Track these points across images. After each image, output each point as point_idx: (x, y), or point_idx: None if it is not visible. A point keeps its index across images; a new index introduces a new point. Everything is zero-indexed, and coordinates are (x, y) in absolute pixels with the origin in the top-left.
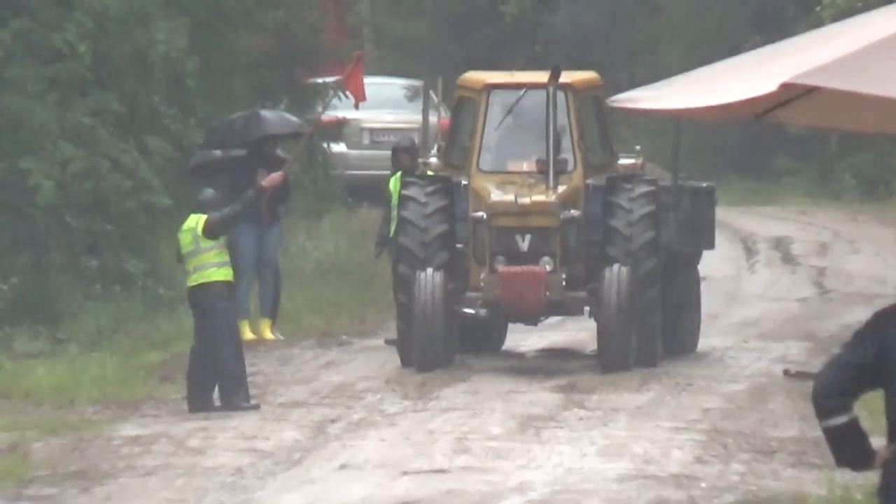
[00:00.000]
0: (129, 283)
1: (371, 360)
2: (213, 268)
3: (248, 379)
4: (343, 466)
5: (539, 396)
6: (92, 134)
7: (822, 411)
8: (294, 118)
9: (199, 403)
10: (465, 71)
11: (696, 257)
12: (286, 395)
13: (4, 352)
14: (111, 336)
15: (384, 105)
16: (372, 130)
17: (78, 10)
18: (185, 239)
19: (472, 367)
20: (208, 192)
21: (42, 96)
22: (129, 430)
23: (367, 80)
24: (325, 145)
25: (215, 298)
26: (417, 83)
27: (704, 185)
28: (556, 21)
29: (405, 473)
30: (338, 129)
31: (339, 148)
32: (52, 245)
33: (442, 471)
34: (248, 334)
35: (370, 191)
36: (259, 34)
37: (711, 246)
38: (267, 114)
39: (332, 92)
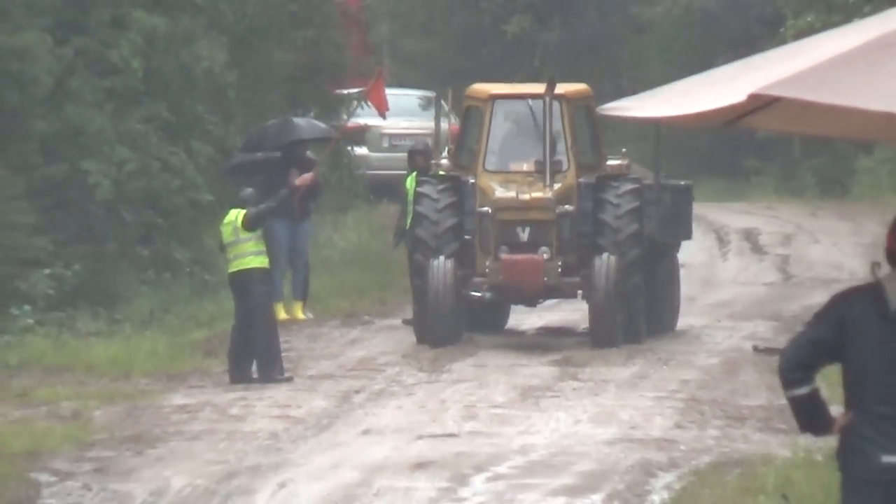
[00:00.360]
0: (178, 270)
1: (390, 337)
2: (250, 256)
3: (283, 354)
4: (366, 431)
5: (538, 369)
6: (144, 138)
7: (787, 382)
8: (322, 124)
9: (238, 376)
10: (472, 83)
11: (676, 247)
12: (316, 369)
13: (68, 330)
14: (161, 316)
15: (401, 113)
16: (390, 135)
17: (131, 30)
18: (226, 231)
19: (479, 344)
20: (248, 191)
21: (100, 106)
22: (178, 399)
23: (387, 92)
24: (349, 148)
25: (253, 283)
26: (430, 94)
27: (683, 183)
28: (552, 39)
29: (420, 437)
30: (360, 135)
31: (361, 151)
32: (110, 236)
33: (452, 435)
34: (282, 315)
35: (389, 188)
36: (291, 51)
37: (689, 237)
38: (298, 120)
39: (355, 102)
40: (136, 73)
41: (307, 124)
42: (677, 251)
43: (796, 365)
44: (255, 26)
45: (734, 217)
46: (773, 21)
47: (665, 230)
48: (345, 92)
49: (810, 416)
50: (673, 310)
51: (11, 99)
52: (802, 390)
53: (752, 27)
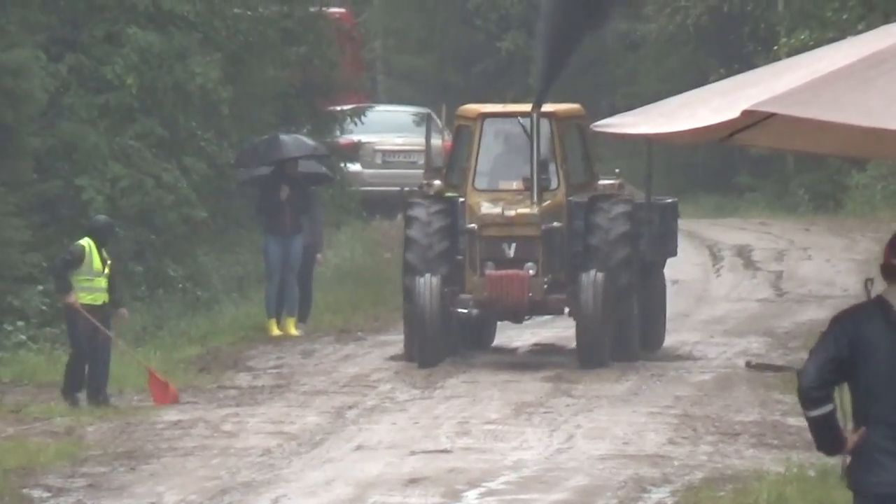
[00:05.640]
0: (171, 286)
1: (384, 353)
2: (79, 292)
3: (276, 371)
4: (359, 447)
5: (531, 386)
6: (138, 155)
7: (811, 402)
8: (310, 141)
9: (71, 397)
10: (466, 99)
11: (663, 264)
12: (309, 385)
13: (61, 346)
14: (155, 332)
15: (395, 130)
16: (384, 152)
17: (125, 47)
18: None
19: (472, 360)
20: (99, 218)
21: (94, 122)
22: (171, 415)
23: (380, 108)
24: (342, 165)
25: (69, 316)
26: (424, 111)
27: (669, 200)
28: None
29: (413, 453)
30: (354, 151)
31: (354, 167)
32: None
33: (446, 451)
34: (275, 331)
35: (382, 205)
36: (284, 68)
37: (675, 254)
38: (285, 138)
39: (348, 118)
40: (130, 90)
41: (294, 141)
42: (663, 268)
43: (820, 384)
44: (249, 43)
45: (727, 233)
46: (767, 38)
47: (654, 248)
48: (338, 109)
49: (828, 435)
50: (660, 327)
51: (5, 115)
52: (825, 409)
53: (746, 44)
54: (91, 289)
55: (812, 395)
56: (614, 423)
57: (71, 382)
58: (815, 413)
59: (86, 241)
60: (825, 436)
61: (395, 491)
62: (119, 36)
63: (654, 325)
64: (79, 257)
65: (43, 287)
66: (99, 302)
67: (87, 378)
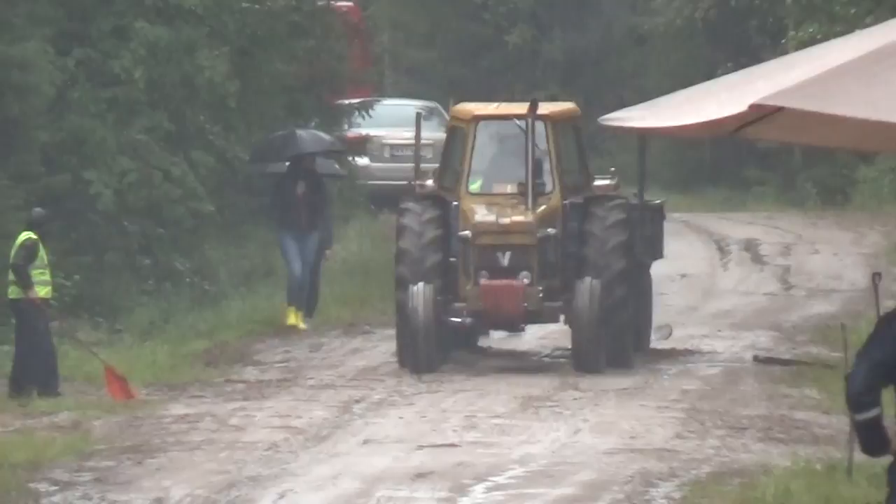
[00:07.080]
0: (178, 280)
1: (391, 347)
2: (37, 286)
3: (283, 365)
4: (366, 441)
5: (538, 380)
6: (146, 148)
7: (861, 406)
8: (327, 137)
9: (18, 391)
10: (473, 93)
11: (649, 265)
12: (316, 378)
13: (69, 341)
14: (162, 326)
15: (402, 123)
16: (392, 146)
17: (133, 41)
18: (13, 253)
19: (479, 355)
20: (37, 211)
21: (102, 116)
22: (178, 409)
23: (388, 102)
24: (350, 159)
25: (32, 311)
26: (432, 104)
27: (657, 202)
28: (553, 50)
29: (421, 447)
30: (362, 145)
31: (363, 161)
32: (111, 246)
33: (453, 445)
34: (292, 319)
35: (390, 199)
36: (292, 61)
37: (661, 256)
38: (302, 133)
39: (356, 112)
40: (138, 84)
41: (311, 137)
42: (649, 269)
43: (869, 387)
44: (257, 37)
45: (735, 227)
46: (775, 32)
47: (645, 251)
48: (346, 102)
49: (876, 436)
50: (647, 329)
51: (13, 109)
52: (874, 412)
53: (754, 37)
54: (45, 282)
55: (863, 399)
56: (621, 417)
57: (35, 378)
58: (864, 416)
59: (33, 235)
60: (872, 438)
61: (402, 485)
62: (127, 30)
63: (643, 325)
64: (35, 251)
65: None
66: (51, 295)
67: (32, 373)
